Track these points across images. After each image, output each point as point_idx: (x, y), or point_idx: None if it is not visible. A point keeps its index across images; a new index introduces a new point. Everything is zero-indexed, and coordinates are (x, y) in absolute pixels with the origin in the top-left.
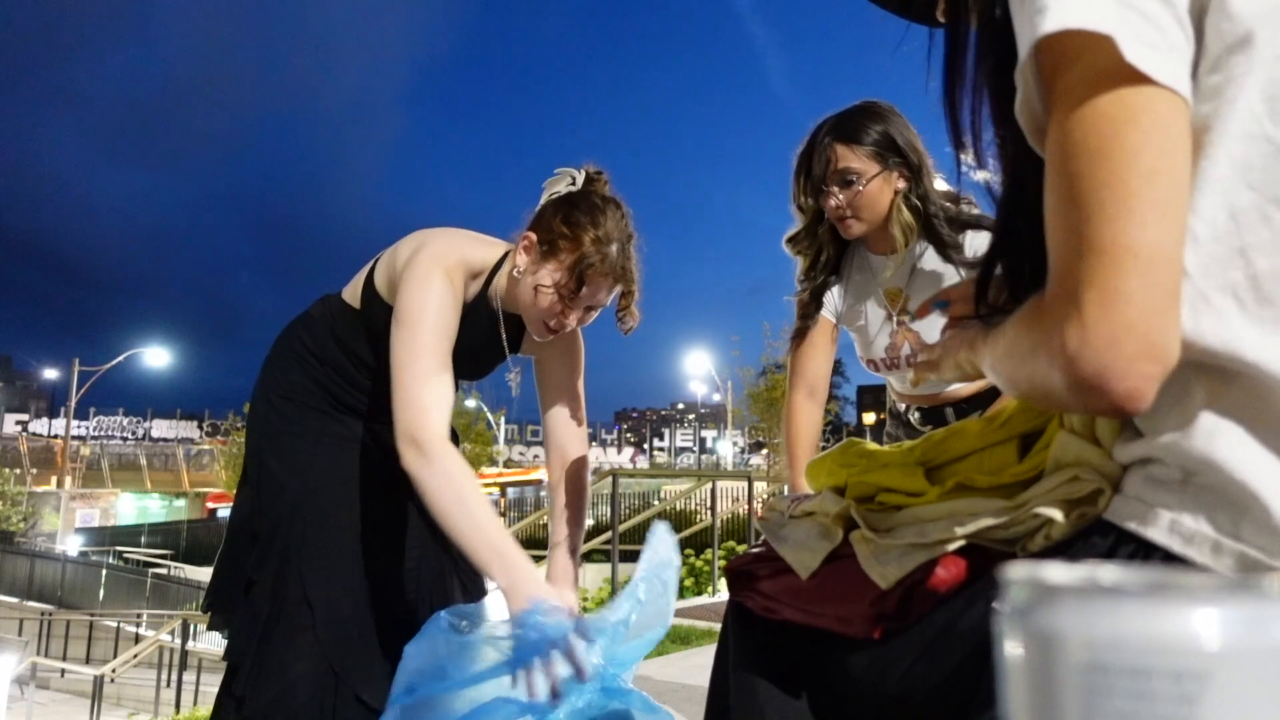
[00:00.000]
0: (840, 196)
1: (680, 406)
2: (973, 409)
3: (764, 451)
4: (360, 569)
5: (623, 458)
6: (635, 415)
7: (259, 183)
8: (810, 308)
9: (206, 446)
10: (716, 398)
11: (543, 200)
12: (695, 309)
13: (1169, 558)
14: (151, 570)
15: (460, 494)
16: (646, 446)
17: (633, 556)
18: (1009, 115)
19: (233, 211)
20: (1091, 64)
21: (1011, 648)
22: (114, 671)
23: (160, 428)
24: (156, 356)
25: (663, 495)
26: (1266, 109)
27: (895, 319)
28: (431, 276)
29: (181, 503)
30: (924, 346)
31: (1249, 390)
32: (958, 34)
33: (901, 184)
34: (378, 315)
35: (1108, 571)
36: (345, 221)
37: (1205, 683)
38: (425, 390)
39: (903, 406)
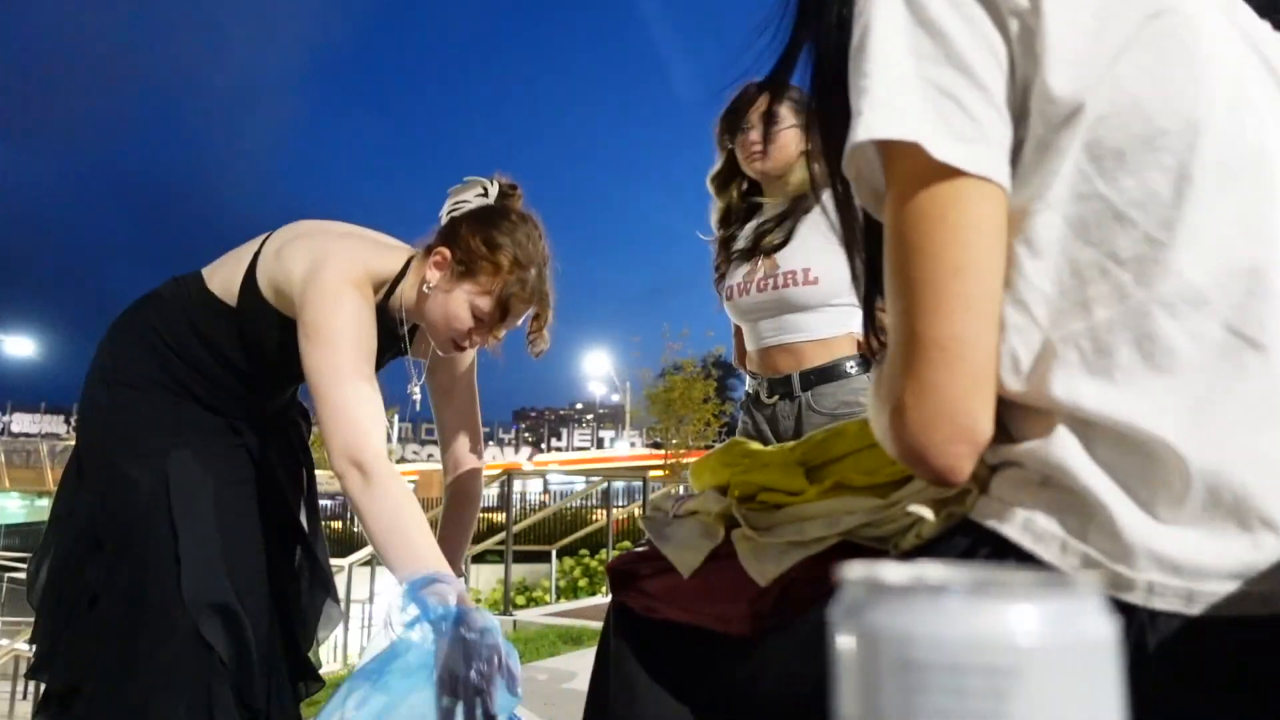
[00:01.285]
0: (756, 133)
1: (579, 406)
2: (820, 381)
3: (661, 453)
4: (224, 569)
5: (520, 457)
6: (534, 414)
7: (139, 165)
8: (721, 257)
9: (73, 443)
10: (615, 398)
11: (447, 206)
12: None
13: (1022, 557)
14: (8, 574)
15: (398, 520)
16: (544, 446)
17: (527, 557)
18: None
19: (110, 194)
20: (907, 163)
21: (840, 646)
22: None
23: (21, 421)
24: (19, 345)
25: (558, 496)
26: (1095, 168)
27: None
28: (342, 294)
29: (44, 502)
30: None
31: (1095, 426)
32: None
33: (806, 141)
34: (258, 319)
35: (936, 570)
36: (232, 208)
37: (1016, 678)
38: (361, 410)
39: (751, 386)
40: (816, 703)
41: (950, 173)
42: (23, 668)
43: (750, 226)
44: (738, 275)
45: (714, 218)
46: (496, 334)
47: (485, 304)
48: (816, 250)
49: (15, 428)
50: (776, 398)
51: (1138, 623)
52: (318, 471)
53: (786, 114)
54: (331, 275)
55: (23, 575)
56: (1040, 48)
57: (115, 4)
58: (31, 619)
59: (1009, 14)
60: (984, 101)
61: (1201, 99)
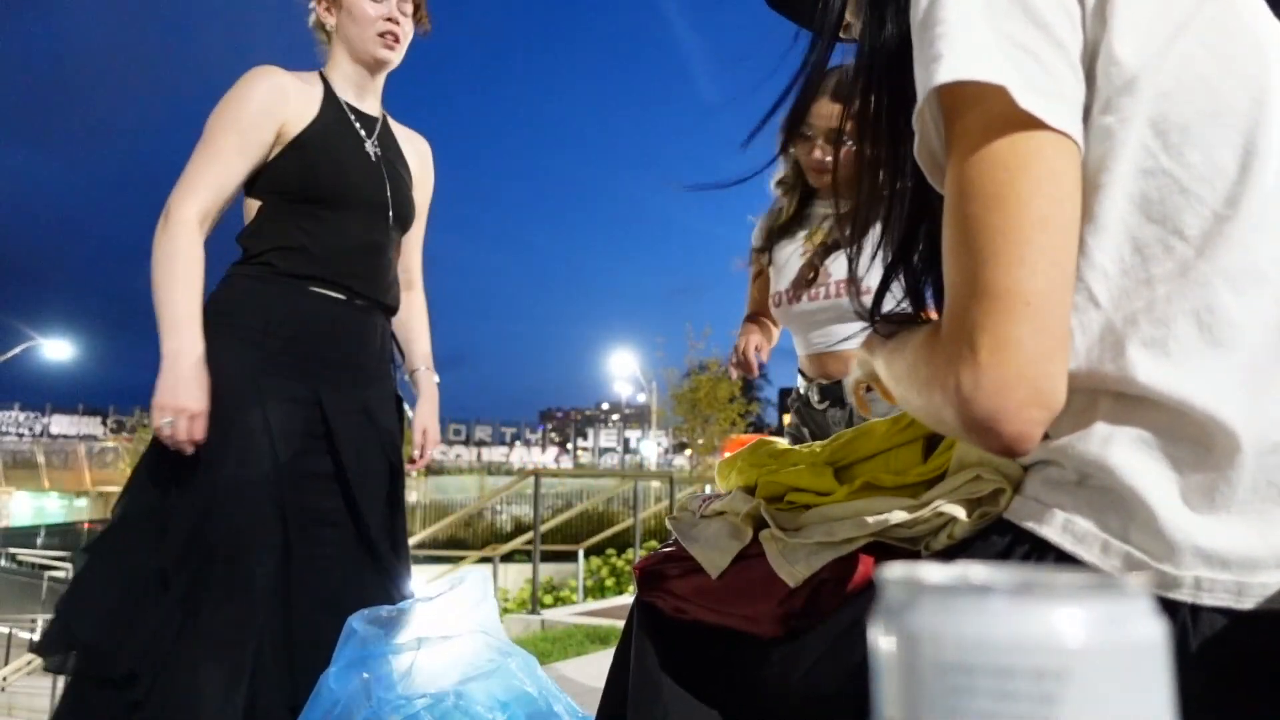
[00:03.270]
0: (826, 154)
1: (605, 407)
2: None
3: (688, 453)
4: (281, 559)
5: (547, 457)
6: (560, 415)
7: (164, 168)
8: (764, 260)
9: (111, 444)
10: (641, 398)
11: None
12: (621, 310)
13: (1061, 557)
14: (48, 574)
15: (173, 269)
16: (570, 447)
17: (554, 557)
18: (903, 133)
19: (137, 197)
20: (986, 111)
21: (882, 647)
22: (5, 680)
23: (60, 423)
24: (57, 349)
25: (586, 496)
26: (1159, 143)
27: (805, 251)
28: (231, 93)
29: (83, 502)
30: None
31: (1143, 408)
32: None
33: None
34: (280, 170)
35: (978, 571)
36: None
37: (1064, 681)
38: (202, 169)
39: (802, 386)
40: (845, 703)
41: (1033, 123)
42: None
43: (801, 234)
44: (784, 281)
45: (767, 223)
46: (405, 9)
47: None
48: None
49: (54, 429)
50: (828, 403)
51: (1180, 621)
52: None
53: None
54: (236, 85)
55: (62, 574)
56: (1110, 10)
57: (138, 8)
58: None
59: None
60: (1062, 59)
61: (1267, 76)
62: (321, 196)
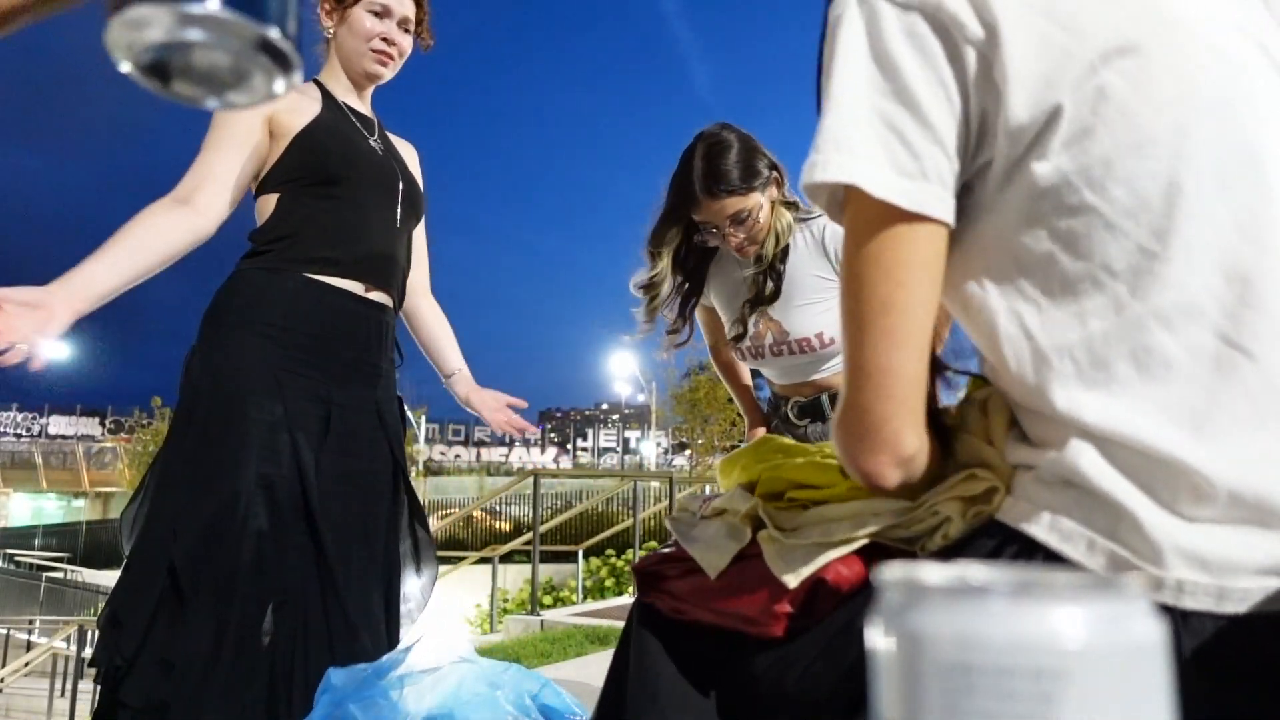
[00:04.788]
0: (740, 235)
1: (604, 407)
2: None
3: (687, 453)
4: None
5: (546, 458)
6: (559, 415)
7: (162, 167)
8: (681, 322)
9: (109, 444)
10: (641, 398)
11: None
12: (621, 310)
13: (1050, 556)
14: (46, 574)
15: (130, 227)
16: (570, 447)
17: (553, 558)
18: None
19: (134, 196)
20: (855, 200)
21: (881, 647)
22: (3, 681)
23: (58, 424)
24: (55, 348)
25: (585, 496)
26: (1083, 180)
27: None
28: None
29: (81, 503)
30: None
31: (1100, 438)
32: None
33: (775, 192)
34: (287, 166)
35: (977, 572)
36: (253, 207)
37: (1064, 680)
38: (192, 168)
39: (776, 402)
40: (841, 703)
41: (889, 210)
42: (62, 667)
43: (724, 280)
44: (739, 333)
45: (655, 272)
46: (397, 28)
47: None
48: (821, 310)
49: (52, 430)
50: (808, 420)
51: (1170, 623)
52: None
53: (749, 199)
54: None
55: (60, 575)
56: (1000, 75)
57: None
58: (70, 618)
59: (965, 44)
60: (928, 138)
61: (1190, 103)
62: (334, 176)
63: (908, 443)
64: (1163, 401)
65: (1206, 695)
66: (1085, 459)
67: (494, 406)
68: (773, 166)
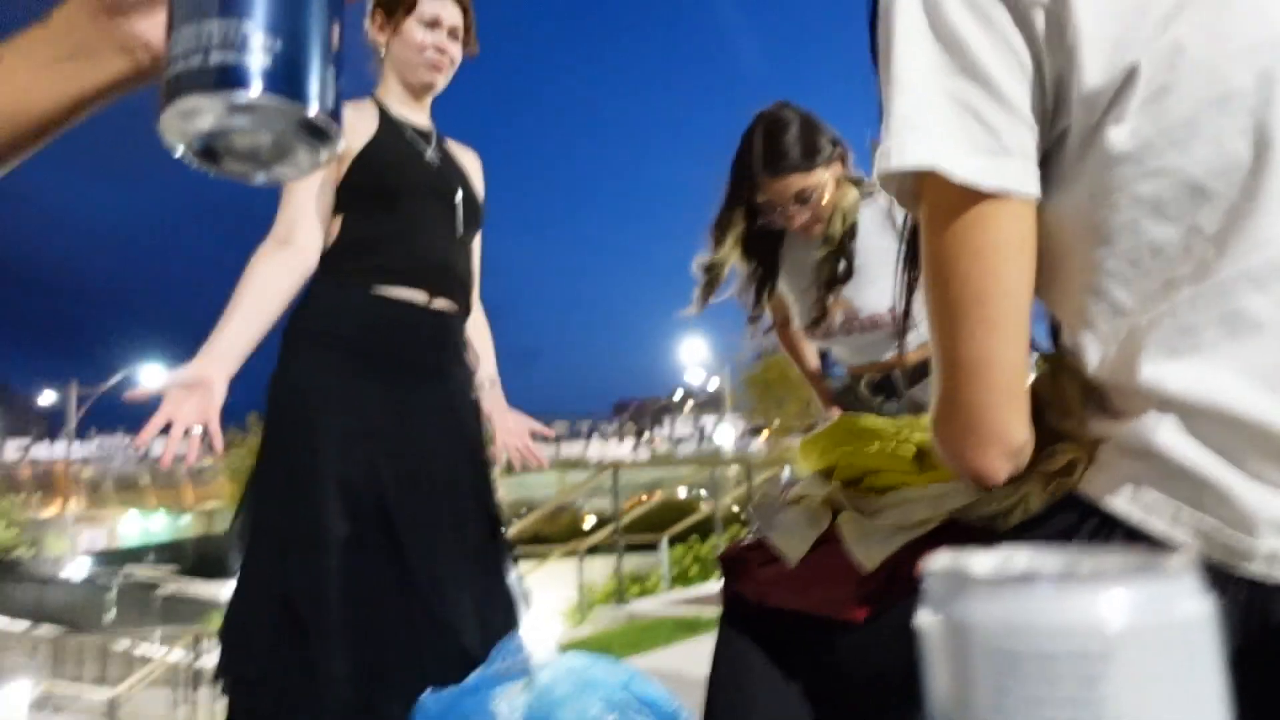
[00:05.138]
0: (805, 214)
1: (679, 395)
2: (923, 375)
3: (763, 435)
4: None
5: (624, 449)
6: (634, 405)
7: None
8: (760, 309)
9: (208, 461)
10: (714, 384)
11: None
12: (684, 294)
13: (1131, 531)
14: (160, 589)
15: (250, 281)
16: (647, 436)
17: (637, 548)
18: None
19: (215, 221)
20: (932, 188)
21: (929, 635)
22: (130, 689)
23: (161, 445)
24: (152, 374)
25: (665, 485)
26: (1165, 140)
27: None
28: None
29: (186, 519)
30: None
31: (1184, 410)
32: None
33: (839, 168)
34: (349, 187)
35: (1021, 557)
36: None
37: (1109, 663)
38: (280, 209)
39: (849, 378)
40: (917, 684)
41: (971, 193)
42: (180, 678)
43: (795, 260)
44: (818, 315)
45: (717, 255)
46: (446, 38)
47: (428, 10)
48: (890, 286)
49: (155, 451)
50: (881, 398)
51: (1263, 596)
52: None
53: (811, 177)
54: None
55: (172, 590)
56: (1072, 38)
57: None
58: (184, 628)
59: (1033, 7)
60: (1004, 111)
61: (1273, 47)
62: (392, 195)
63: (1016, 434)
64: (1253, 364)
65: None
66: (1164, 431)
67: (512, 431)
68: (835, 143)
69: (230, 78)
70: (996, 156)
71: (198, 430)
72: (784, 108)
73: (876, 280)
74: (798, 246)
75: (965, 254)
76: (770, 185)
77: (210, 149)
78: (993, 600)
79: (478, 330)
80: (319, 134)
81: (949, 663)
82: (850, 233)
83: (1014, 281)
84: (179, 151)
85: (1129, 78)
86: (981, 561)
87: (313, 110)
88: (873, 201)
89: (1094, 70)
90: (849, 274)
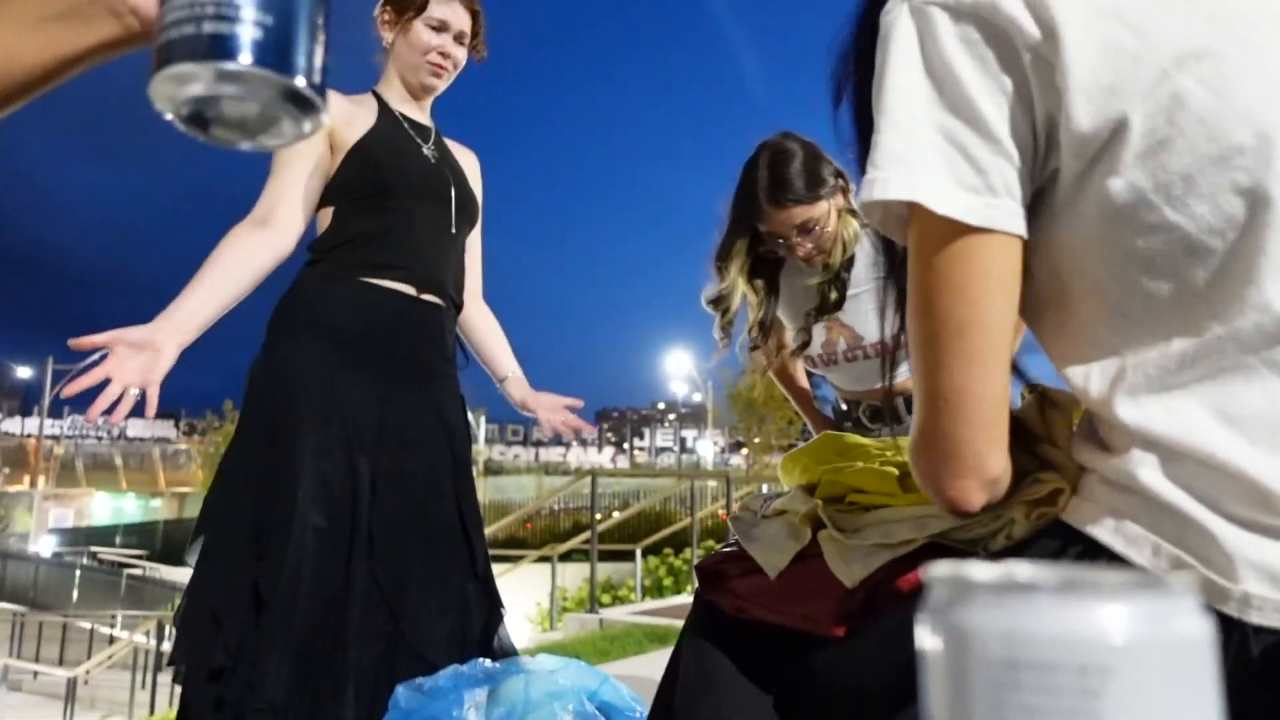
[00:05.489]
0: (808, 244)
1: (661, 406)
2: None
3: (744, 452)
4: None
5: (603, 457)
6: (616, 415)
7: (232, 177)
8: (765, 338)
9: (183, 446)
10: (697, 397)
11: None
12: (675, 308)
13: (1114, 560)
14: (127, 571)
15: (219, 254)
16: (627, 446)
17: (611, 556)
18: None
19: (206, 206)
20: (920, 217)
21: (928, 643)
22: (88, 673)
23: (136, 427)
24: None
25: (643, 495)
26: (1162, 197)
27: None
28: None
29: (158, 503)
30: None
31: (1171, 453)
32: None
33: (841, 200)
34: (343, 178)
35: (1024, 569)
36: None
37: (1108, 676)
38: (264, 191)
39: (845, 406)
40: (896, 701)
41: (956, 227)
42: (143, 660)
43: (792, 287)
44: (814, 347)
45: (756, 318)
46: (452, 43)
47: (436, 13)
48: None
49: (131, 432)
50: (880, 424)
51: (1239, 636)
52: None
53: (816, 208)
54: None
55: (139, 572)
56: (1061, 80)
57: None
58: (149, 613)
59: (1023, 49)
60: (992, 150)
61: (1276, 107)
62: (386, 188)
63: (993, 465)
64: (1238, 416)
65: (1271, 710)
66: (1146, 470)
67: (551, 408)
68: (838, 174)
69: (221, 47)
70: (982, 195)
71: (134, 392)
72: (788, 138)
73: (877, 310)
74: (795, 273)
75: (948, 287)
76: (774, 216)
77: (198, 115)
78: (994, 608)
79: (490, 328)
80: (305, 105)
81: (947, 670)
82: (848, 263)
83: (996, 315)
84: (168, 116)
85: (1119, 127)
86: (983, 571)
87: (300, 82)
88: (874, 231)
89: (1083, 115)
90: (839, 303)
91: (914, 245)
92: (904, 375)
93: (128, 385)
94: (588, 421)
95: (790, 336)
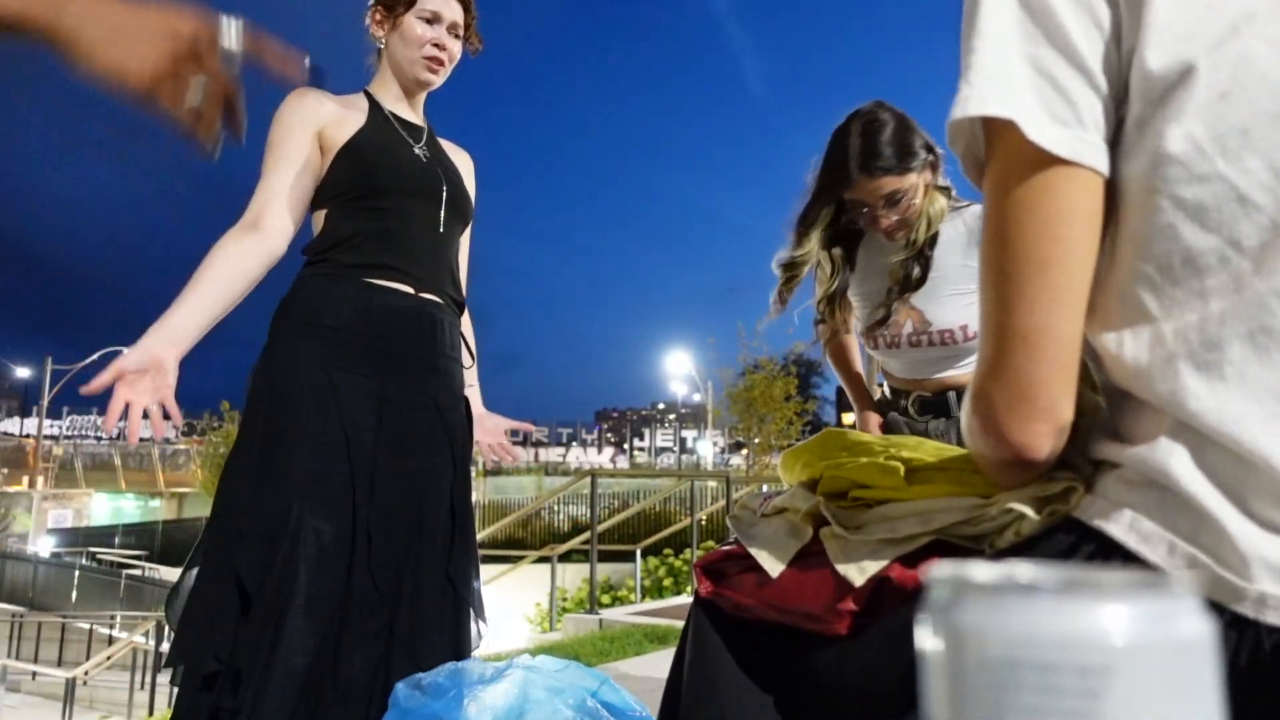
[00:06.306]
0: (893, 217)
1: (661, 406)
2: None
3: (744, 452)
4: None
5: (603, 457)
6: (616, 415)
7: (230, 176)
8: (832, 313)
9: (182, 446)
10: (697, 398)
11: None
12: (676, 309)
13: (1127, 557)
14: (125, 571)
15: (210, 262)
16: (627, 446)
17: (611, 557)
18: None
19: (204, 205)
20: (1005, 143)
21: (929, 643)
22: (86, 674)
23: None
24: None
25: (642, 496)
26: (1216, 147)
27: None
28: (277, 119)
29: (157, 503)
30: None
31: (1197, 435)
32: None
33: (930, 175)
34: (335, 178)
35: (1025, 569)
36: None
37: (1109, 677)
38: (257, 191)
39: (891, 395)
40: (901, 700)
41: (1044, 157)
42: (141, 661)
43: (869, 260)
44: (882, 317)
45: (823, 290)
46: (445, 34)
47: (428, 6)
48: (966, 302)
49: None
50: (930, 416)
51: (1254, 636)
52: None
53: (905, 180)
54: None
55: (138, 572)
56: (1146, 16)
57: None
58: (148, 614)
59: None
60: (1083, 83)
61: None
62: (378, 189)
63: (1065, 410)
64: (1276, 388)
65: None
66: (1175, 458)
67: (491, 431)
68: (929, 148)
69: None
70: (1073, 127)
71: (156, 410)
72: (880, 107)
73: (953, 296)
74: (874, 249)
75: (1033, 219)
76: (863, 184)
77: None
78: (996, 608)
79: (465, 331)
80: None
81: (948, 669)
82: (931, 241)
83: (1079, 253)
84: None
85: (1185, 75)
86: (984, 571)
87: None
88: (957, 217)
89: (1154, 57)
90: (923, 280)
91: (998, 174)
92: (963, 370)
93: (146, 406)
94: (587, 422)
95: (858, 315)
